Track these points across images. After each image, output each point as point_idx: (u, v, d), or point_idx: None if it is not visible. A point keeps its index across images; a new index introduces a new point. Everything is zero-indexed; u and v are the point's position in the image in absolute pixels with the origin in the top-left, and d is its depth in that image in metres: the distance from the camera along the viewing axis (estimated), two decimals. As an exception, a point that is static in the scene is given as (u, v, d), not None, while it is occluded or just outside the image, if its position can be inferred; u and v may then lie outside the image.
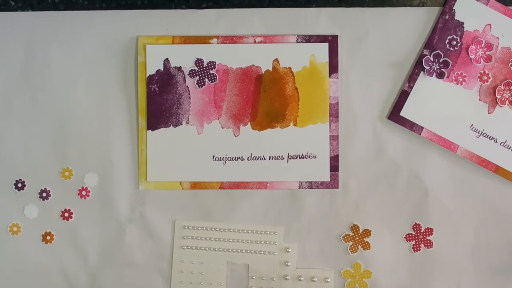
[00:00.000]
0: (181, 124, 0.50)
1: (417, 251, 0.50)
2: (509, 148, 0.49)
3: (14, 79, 0.50)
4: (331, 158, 0.50)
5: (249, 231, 0.50)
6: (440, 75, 0.49)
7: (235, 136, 0.50)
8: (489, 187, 0.50)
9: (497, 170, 0.49)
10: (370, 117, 0.50)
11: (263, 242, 0.50)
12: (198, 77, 0.50)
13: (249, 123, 0.50)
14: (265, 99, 0.50)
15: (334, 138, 0.50)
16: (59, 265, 0.51)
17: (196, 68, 0.50)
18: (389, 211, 0.50)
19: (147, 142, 0.50)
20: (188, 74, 0.50)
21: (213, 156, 0.50)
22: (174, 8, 0.50)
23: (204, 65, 0.50)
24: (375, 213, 0.50)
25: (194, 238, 0.50)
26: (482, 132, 0.49)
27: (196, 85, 0.50)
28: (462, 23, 0.49)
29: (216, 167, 0.50)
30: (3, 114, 0.50)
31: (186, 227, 0.50)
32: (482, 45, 0.49)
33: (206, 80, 0.50)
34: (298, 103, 0.50)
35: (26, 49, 0.50)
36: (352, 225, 0.50)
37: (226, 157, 0.50)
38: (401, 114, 0.49)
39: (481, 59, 0.49)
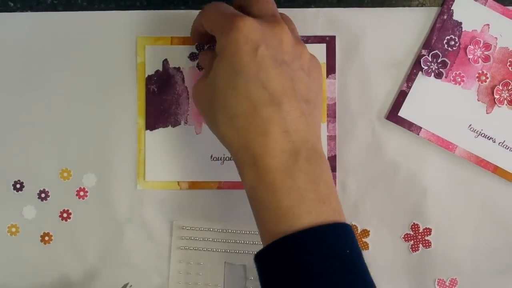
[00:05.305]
0: (180, 124, 0.50)
1: (415, 251, 0.50)
2: (507, 148, 0.49)
3: (14, 79, 0.50)
4: (329, 158, 0.50)
5: (247, 232, 0.50)
6: (438, 75, 0.49)
7: (234, 137, 0.50)
8: (487, 187, 0.50)
9: (496, 170, 0.49)
10: (368, 117, 0.50)
11: (260, 243, 0.50)
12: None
13: (247, 124, 0.50)
14: (263, 99, 0.50)
15: (331, 138, 0.50)
16: (58, 266, 0.51)
17: (195, 69, 0.50)
18: (387, 211, 0.50)
19: (145, 142, 0.50)
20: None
21: (211, 156, 0.50)
22: (173, 9, 0.50)
23: (203, 66, 0.50)
24: (373, 213, 0.50)
25: (192, 238, 0.50)
26: (480, 132, 0.49)
27: (195, 86, 0.50)
28: (460, 23, 0.49)
29: (214, 167, 0.50)
30: (2, 114, 0.51)
31: (183, 228, 0.50)
32: (480, 45, 0.49)
33: (205, 80, 0.50)
34: (296, 104, 0.50)
35: (25, 50, 0.50)
36: (350, 225, 0.50)
37: (224, 157, 0.50)
38: (399, 114, 0.49)
39: (479, 59, 0.49)
